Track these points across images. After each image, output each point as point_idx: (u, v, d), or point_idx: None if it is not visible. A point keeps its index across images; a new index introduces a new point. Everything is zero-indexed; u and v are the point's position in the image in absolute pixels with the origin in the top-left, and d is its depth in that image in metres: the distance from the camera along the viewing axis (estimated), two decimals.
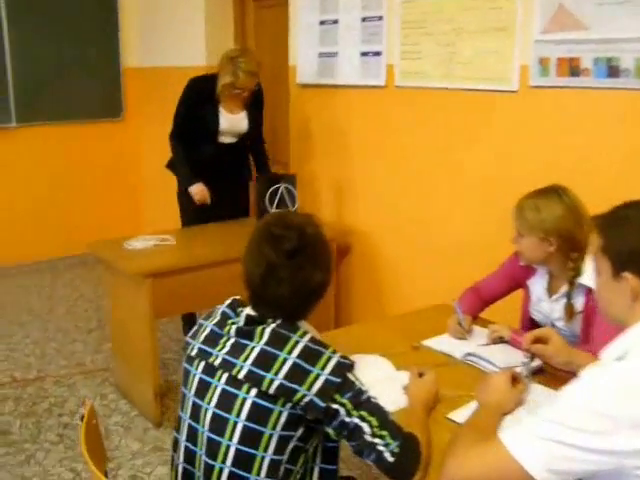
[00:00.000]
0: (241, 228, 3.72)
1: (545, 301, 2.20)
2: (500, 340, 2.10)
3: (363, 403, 1.41)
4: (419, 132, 3.35)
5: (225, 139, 3.69)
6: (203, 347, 1.51)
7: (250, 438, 1.41)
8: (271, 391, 1.39)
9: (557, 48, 2.69)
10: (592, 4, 2.54)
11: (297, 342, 1.43)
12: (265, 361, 1.41)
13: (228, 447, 1.43)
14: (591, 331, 2.02)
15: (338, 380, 1.40)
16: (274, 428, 1.40)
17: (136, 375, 3.27)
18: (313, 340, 1.46)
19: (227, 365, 1.45)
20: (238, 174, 3.83)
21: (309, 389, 1.38)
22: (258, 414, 1.41)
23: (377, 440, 1.39)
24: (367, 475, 2.63)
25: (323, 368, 1.40)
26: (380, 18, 3.41)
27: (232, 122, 3.66)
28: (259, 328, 1.47)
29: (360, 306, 3.86)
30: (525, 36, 2.79)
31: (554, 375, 1.89)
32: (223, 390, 1.45)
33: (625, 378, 1.18)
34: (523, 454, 1.22)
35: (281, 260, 1.45)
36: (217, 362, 1.47)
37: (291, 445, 1.43)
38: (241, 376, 1.42)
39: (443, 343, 2.14)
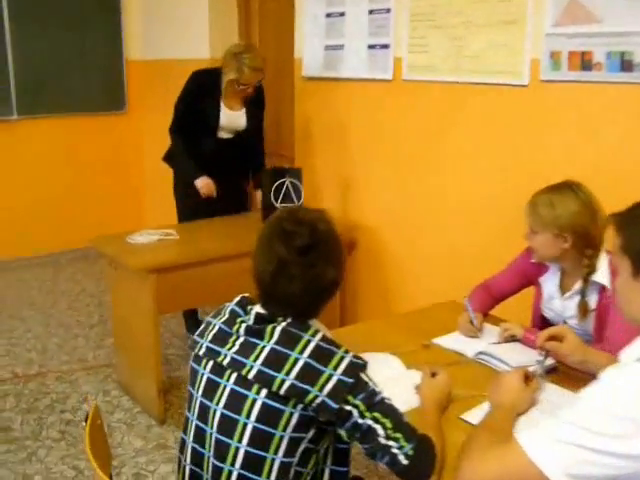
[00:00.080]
0: (246, 223, 3.69)
1: (557, 299, 2.16)
2: (512, 338, 2.06)
3: (377, 404, 1.37)
4: (427, 126, 3.30)
5: (223, 134, 3.68)
6: (211, 346, 1.47)
7: (260, 440, 1.37)
8: (282, 392, 1.35)
9: (569, 42, 2.64)
10: None
11: (309, 341, 1.39)
12: (276, 361, 1.37)
13: (237, 449, 1.39)
14: (604, 330, 1.99)
15: (351, 381, 1.36)
16: (285, 430, 1.36)
17: (139, 371, 3.24)
18: (325, 339, 1.42)
19: (236, 365, 1.41)
20: (236, 169, 3.81)
21: (321, 390, 1.34)
22: (268, 415, 1.37)
23: (391, 442, 1.35)
24: (373, 474, 2.60)
25: (335, 368, 1.36)
26: (388, 10, 3.36)
27: (231, 118, 3.65)
28: (269, 327, 1.43)
29: (366, 303, 3.82)
30: (536, 29, 2.74)
31: (567, 374, 1.86)
32: (232, 390, 1.41)
33: None
34: (542, 458, 1.19)
35: (293, 257, 1.41)
36: (226, 361, 1.43)
37: (302, 447, 1.40)
38: (251, 376, 1.38)
39: (454, 341, 2.11)
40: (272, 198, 3.55)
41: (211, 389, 1.45)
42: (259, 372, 1.37)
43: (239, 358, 1.41)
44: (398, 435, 1.36)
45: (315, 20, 3.80)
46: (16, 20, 4.99)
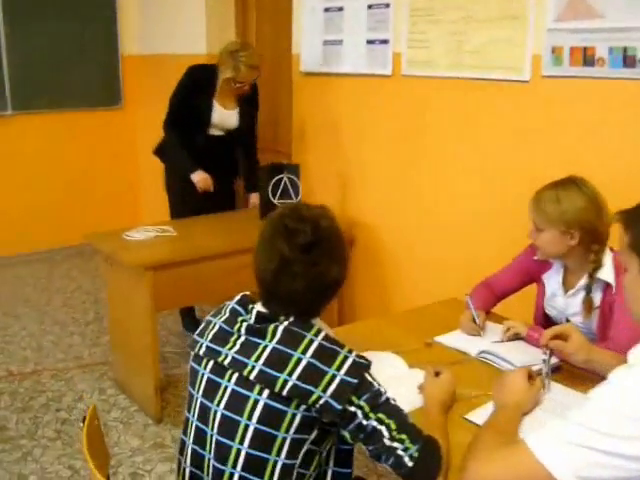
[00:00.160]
0: (243, 219, 3.67)
1: (560, 296, 2.13)
2: (515, 336, 2.03)
3: (381, 405, 1.35)
4: (426, 123, 3.27)
5: (214, 132, 3.68)
6: (212, 345, 1.44)
7: (262, 442, 1.35)
8: (284, 393, 1.32)
9: (571, 37, 2.61)
10: None
11: (311, 341, 1.37)
12: (278, 361, 1.34)
13: (239, 451, 1.36)
14: (608, 328, 1.96)
15: (355, 381, 1.33)
16: (287, 431, 1.34)
17: (135, 369, 3.21)
18: (328, 338, 1.39)
19: (237, 365, 1.38)
20: (226, 167, 3.80)
21: (324, 390, 1.31)
22: (270, 417, 1.34)
23: (396, 444, 1.33)
24: (372, 473, 2.57)
25: (339, 368, 1.33)
26: (387, 5, 3.32)
27: (223, 116, 3.65)
28: (271, 326, 1.40)
29: (363, 301, 3.79)
30: (537, 24, 2.70)
31: (571, 373, 1.83)
32: (233, 391, 1.38)
33: None
34: (552, 460, 1.17)
35: (295, 254, 1.38)
36: (227, 361, 1.40)
37: (304, 448, 1.37)
38: (252, 376, 1.35)
39: (456, 339, 2.08)
40: (270, 194, 3.52)
41: (212, 389, 1.42)
42: (261, 372, 1.34)
43: (240, 358, 1.38)
44: (403, 436, 1.33)
45: (313, 15, 3.76)
46: (10, 14, 4.94)
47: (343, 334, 2.06)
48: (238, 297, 1.51)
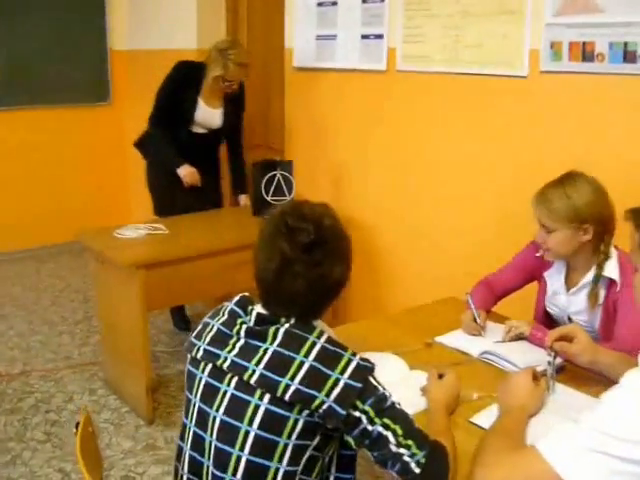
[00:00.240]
0: (235, 217, 3.62)
1: (562, 294, 2.10)
2: (516, 336, 1.99)
3: (387, 410, 1.30)
4: (421, 119, 3.23)
5: (198, 129, 3.65)
6: (210, 348, 1.39)
7: (263, 448, 1.30)
8: (286, 397, 1.27)
9: (570, 32, 2.58)
10: None
11: (314, 343, 1.32)
12: (279, 365, 1.29)
13: (239, 458, 1.31)
14: (613, 326, 1.93)
15: (359, 385, 1.28)
16: (289, 437, 1.29)
17: (126, 369, 3.15)
18: (330, 341, 1.35)
19: (237, 368, 1.33)
20: (208, 164, 3.75)
21: (328, 395, 1.27)
22: (272, 422, 1.29)
23: (402, 450, 1.28)
24: (369, 474, 2.53)
25: (343, 372, 1.29)
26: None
27: (206, 115, 3.61)
28: (272, 328, 1.35)
29: (359, 301, 3.74)
30: (535, 19, 2.67)
31: (575, 373, 1.80)
32: (233, 396, 1.33)
33: None
34: (564, 467, 1.13)
35: (297, 254, 1.33)
36: (226, 365, 1.34)
37: (307, 455, 1.32)
38: (253, 381, 1.30)
39: (457, 340, 2.04)
40: (263, 192, 3.47)
41: (210, 394, 1.37)
42: (262, 376, 1.29)
43: (240, 361, 1.33)
44: (410, 442, 1.29)
45: (306, 9, 3.71)
46: None
47: (340, 335, 2.01)
48: (237, 298, 1.45)
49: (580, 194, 1.90)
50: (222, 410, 1.34)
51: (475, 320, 2.06)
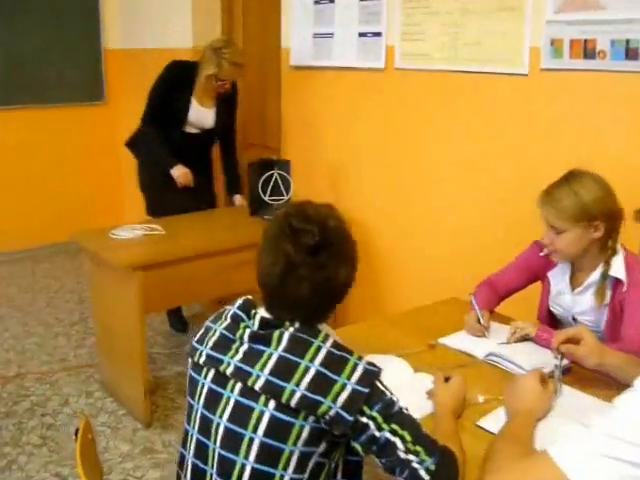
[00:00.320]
0: (232, 218, 3.58)
1: (567, 294, 2.07)
2: (522, 337, 1.97)
3: (394, 415, 1.27)
4: (420, 117, 3.20)
5: (190, 129, 3.63)
6: (212, 353, 1.36)
7: (268, 456, 1.27)
8: (292, 404, 1.24)
9: (571, 29, 2.55)
10: None
11: (319, 348, 1.29)
12: (285, 370, 1.26)
13: (243, 466, 1.28)
14: (619, 327, 1.91)
15: (366, 390, 1.26)
16: (295, 444, 1.26)
17: (123, 372, 3.11)
18: (336, 345, 1.32)
19: (241, 374, 1.30)
20: (202, 165, 3.74)
21: (335, 401, 1.24)
22: (277, 429, 1.26)
23: (411, 456, 1.25)
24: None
25: (349, 377, 1.26)
26: None
27: (199, 115, 3.59)
28: (276, 332, 1.32)
29: (358, 302, 3.69)
30: (536, 16, 2.64)
31: (581, 375, 1.77)
32: (237, 402, 1.30)
33: None
34: (577, 472, 1.10)
35: (301, 257, 1.30)
36: (229, 370, 1.31)
37: (313, 461, 1.29)
38: (257, 387, 1.27)
39: (461, 341, 2.01)
40: (260, 191, 3.43)
41: (213, 400, 1.34)
42: (267, 382, 1.26)
43: (244, 367, 1.30)
44: (418, 449, 1.26)
45: (303, 7, 3.67)
46: None
47: (340, 337, 1.98)
48: (240, 301, 1.42)
49: (587, 190, 1.88)
50: (226, 417, 1.31)
51: (479, 321, 2.03)
